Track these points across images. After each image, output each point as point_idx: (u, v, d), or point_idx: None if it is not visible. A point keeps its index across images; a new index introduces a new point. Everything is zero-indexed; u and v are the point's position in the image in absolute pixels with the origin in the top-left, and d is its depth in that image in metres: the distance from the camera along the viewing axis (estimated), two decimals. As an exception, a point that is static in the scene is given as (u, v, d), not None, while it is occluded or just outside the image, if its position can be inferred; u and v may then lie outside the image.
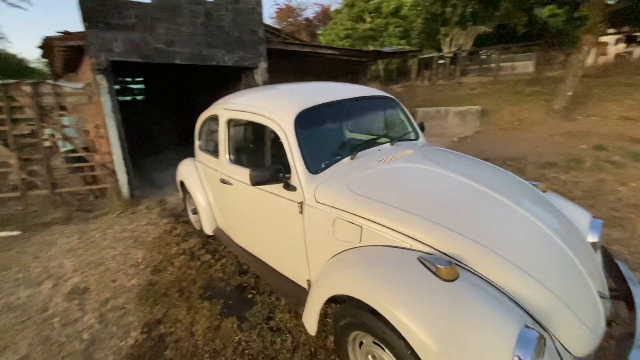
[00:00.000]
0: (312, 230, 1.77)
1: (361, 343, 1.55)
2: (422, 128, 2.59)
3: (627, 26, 9.48)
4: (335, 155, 1.99)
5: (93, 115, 4.63)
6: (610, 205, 3.42)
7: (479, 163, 2.14)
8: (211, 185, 2.86)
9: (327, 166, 1.88)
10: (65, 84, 4.44)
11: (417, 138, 2.47)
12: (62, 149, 4.77)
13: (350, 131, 2.38)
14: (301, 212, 1.78)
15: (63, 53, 4.91)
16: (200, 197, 3.01)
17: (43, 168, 4.49)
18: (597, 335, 1.29)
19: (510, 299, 1.22)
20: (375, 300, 1.28)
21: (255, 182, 1.77)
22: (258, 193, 2.06)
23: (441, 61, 15.88)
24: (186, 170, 3.24)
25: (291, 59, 7.43)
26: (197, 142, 3.11)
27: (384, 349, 1.38)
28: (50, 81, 4.80)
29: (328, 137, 2.16)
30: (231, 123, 2.41)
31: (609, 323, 1.38)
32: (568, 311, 1.25)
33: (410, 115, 2.55)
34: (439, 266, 1.22)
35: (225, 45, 5.42)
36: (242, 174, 2.23)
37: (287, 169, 1.83)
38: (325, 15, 28.47)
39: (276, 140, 1.96)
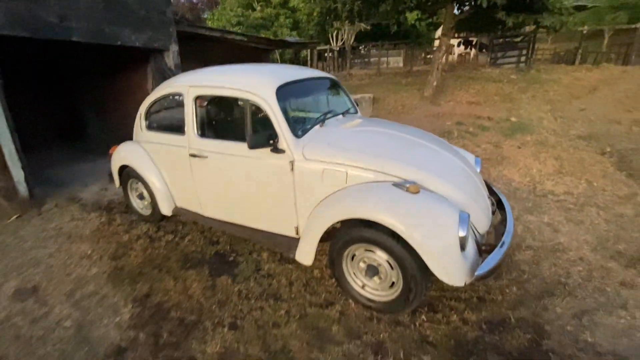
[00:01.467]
0: (302, 182, 2.19)
1: (353, 256, 2.09)
2: (357, 104, 3.24)
3: (465, 32, 12.41)
4: (307, 124, 2.44)
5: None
6: (472, 161, 4.83)
7: (406, 126, 2.90)
8: (170, 163, 2.88)
9: (304, 132, 2.31)
10: None
11: (356, 112, 3.10)
12: None
13: (311, 104, 2.83)
14: (292, 169, 2.18)
15: None
16: (154, 178, 2.98)
17: None
18: (489, 219, 2.16)
19: (447, 200, 1.95)
20: (371, 214, 1.84)
21: (253, 145, 2.09)
22: (242, 160, 2.33)
23: (330, 54, 17.37)
24: (131, 154, 3.10)
25: (193, 43, 7.13)
26: (143, 123, 3.03)
27: (373, 252, 1.97)
28: None
29: (299, 109, 2.58)
30: (199, 99, 2.55)
31: (493, 212, 2.29)
32: (476, 205, 2.06)
33: (349, 94, 3.16)
34: (408, 185, 1.85)
35: (131, 24, 4.98)
36: (221, 145, 2.44)
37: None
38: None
39: (256, 112, 2.28)
